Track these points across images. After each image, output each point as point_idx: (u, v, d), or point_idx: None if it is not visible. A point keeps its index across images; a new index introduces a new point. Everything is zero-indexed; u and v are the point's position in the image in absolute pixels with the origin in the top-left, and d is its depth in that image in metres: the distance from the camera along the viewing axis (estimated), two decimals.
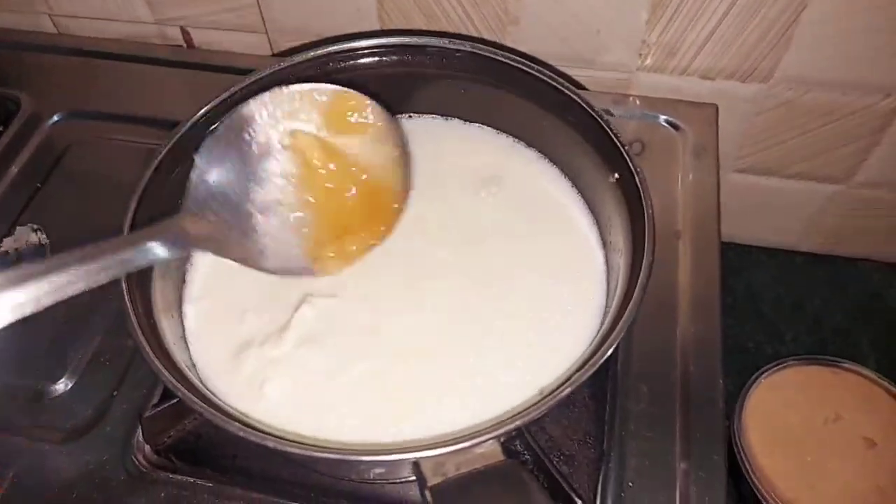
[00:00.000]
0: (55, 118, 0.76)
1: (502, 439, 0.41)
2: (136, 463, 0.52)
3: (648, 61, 0.71)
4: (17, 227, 0.66)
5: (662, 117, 0.69)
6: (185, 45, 0.83)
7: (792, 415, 0.71)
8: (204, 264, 0.54)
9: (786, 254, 0.89)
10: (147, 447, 0.53)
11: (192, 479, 0.52)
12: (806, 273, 0.88)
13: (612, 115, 0.66)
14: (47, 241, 0.65)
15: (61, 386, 0.57)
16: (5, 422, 0.56)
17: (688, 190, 0.65)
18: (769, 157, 0.78)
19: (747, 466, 0.67)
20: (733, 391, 0.68)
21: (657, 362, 0.55)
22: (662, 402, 0.53)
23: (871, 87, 0.68)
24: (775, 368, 0.72)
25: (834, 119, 0.73)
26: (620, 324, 0.42)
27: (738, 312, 0.84)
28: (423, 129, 0.61)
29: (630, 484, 0.50)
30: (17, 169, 0.72)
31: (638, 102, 0.72)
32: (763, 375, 0.71)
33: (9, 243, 0.65)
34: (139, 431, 0.53)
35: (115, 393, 0.56)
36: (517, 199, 0.58)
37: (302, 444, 0.38)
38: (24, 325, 0.59)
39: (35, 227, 0.65)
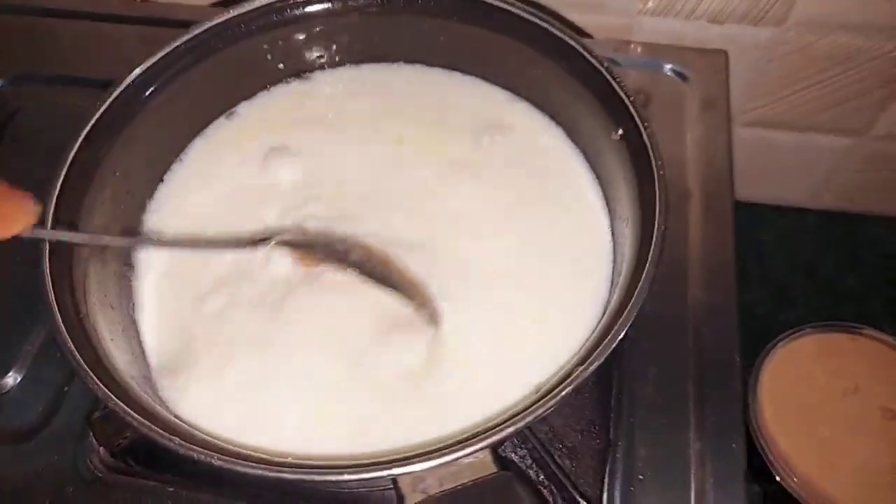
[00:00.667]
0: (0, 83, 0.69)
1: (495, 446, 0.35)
2: (91, 466, 0.47)
3: (651, 3, 0.64)
4: None
5: (668, 66, 0.62)
6: None
7: (809, 387, 0.66)
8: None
9: (796, 212, 0.83)
10: (102, 450, 0.48)
11: (151, 483, 0.47)
12: (818, 233, 0.83)
13: (617, 63, 0.60)
14: None
15: (9, 380, 0.52)
16: None
17: (697, 145, 0.59)
18: (781, 109, 0.72)
19: (762, 443, 0.62)
20: (744, 361, 0.63)
21: (667, 338, 0.50)
22: (673, 385, 0.48)
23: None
24: (791, 337, 0.67)
25: (854, 66, 0.66)
26: (629, 308, 0.36)
27: (746, 276, 0.78)
28: (420, 79, 0.55)
29: (640, 477, 0.45)
30: None
31: (640, 50, 0.65)
32: (779, 344, 0.66)
33: None
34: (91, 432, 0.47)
35: (66, 388, 0.51)
36: (514, 157, 0.52)
37: (255, 461, 0.32)
38: None
39: None
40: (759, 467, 0.63)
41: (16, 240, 0.40)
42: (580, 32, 0.67)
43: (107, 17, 0.73)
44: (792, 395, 0.66)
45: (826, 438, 0.63)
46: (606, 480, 0.45)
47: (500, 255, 0.47)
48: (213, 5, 0.74)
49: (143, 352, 0.44)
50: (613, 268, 0.46)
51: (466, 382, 0.41)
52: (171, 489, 0.46)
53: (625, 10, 0.65)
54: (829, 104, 0.71)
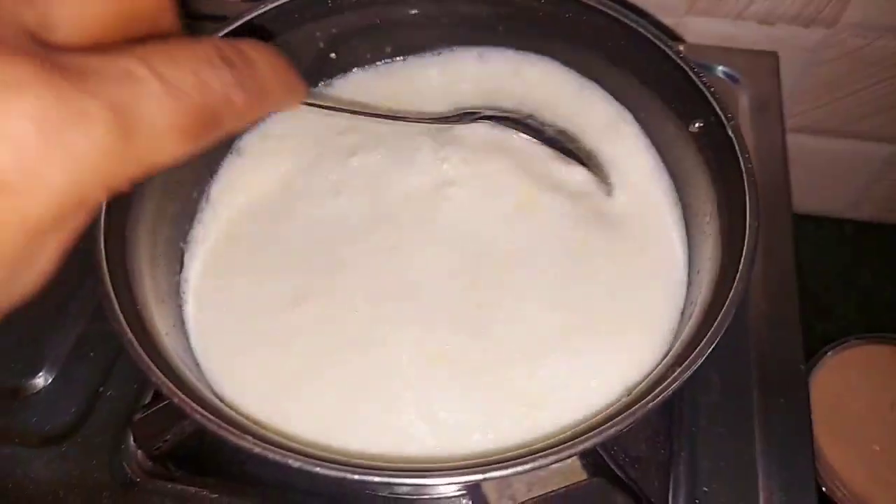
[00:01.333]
0: None
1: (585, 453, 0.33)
2: (128, 470, 0.45)
3: (700, 3, 0.63)
4: None
5: (719, 68, 0.61)
6: None
7: (855, 399, 0.65)
8: (206, 241, 0.47)
9: (834, 223, 0.82)
10: (140, 453, 0.45)
11: (193, 489, 0.44)
12: (855, 244, 0.81)
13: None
14: None
15: (39, 381, 0.50)
16: None
17: (750, 150, 0.57)
18: (826, 115, 0.71)
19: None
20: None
21: (728, 347, 0.48)
22: (737, 393, 0.46)
23: None
24: (837, 349, 0.65)
25: None
26: (728, 302, 0.34)
27: None
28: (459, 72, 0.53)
29: (705, 489, 0.43)
30: None
31: (682, 49, 0.63)
32: (825, 356, 0.65)
33: None
34: (130, 436, 0.45)
35: (100, 389, 0.49)
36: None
37: (334, 463, 0.30)
38: None
39: None
40: None
41: None
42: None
43: None
44: (838, 408, 0.64)
45: (877, 452, 0.62)
46: (671, 491, 0.43)
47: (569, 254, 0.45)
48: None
49: (191, 349, 0.42)
50: (690, 268, 0.44)
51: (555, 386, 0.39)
52: (215, 495, 0.44)
53: (672, 9, 0.64)
54: (871, 111, 0.70)
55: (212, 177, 0.49)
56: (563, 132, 0.50)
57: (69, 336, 0.51)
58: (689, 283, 0.42)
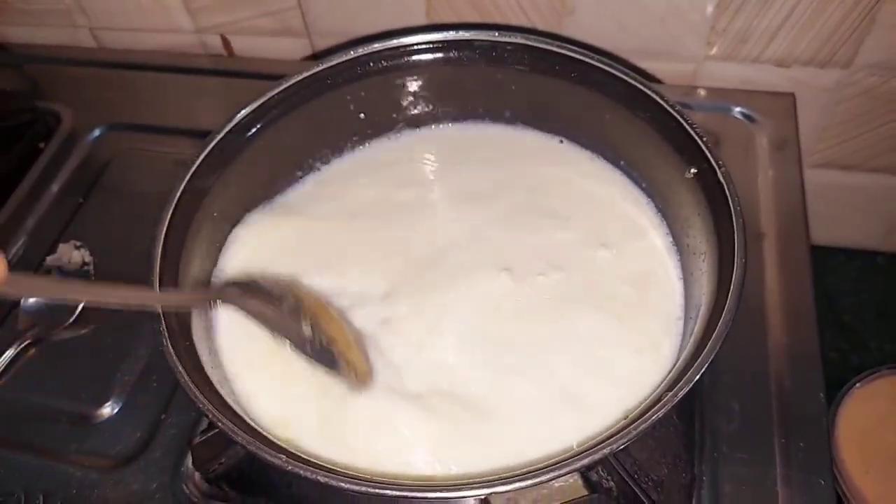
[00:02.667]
0: (96, 132, 0.74)
1: (582, 471, 0.36)
2: (186, 491, 0.49)
3: (717, 49, 0.66)
4: (60, 245, 0.63)
5: (737, 109, 0.64)
6: (225, 53, 0.80)
7: (888, 429, 0.65)
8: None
9: (866, 255, 0.82)
10: (197, 475, 0.50)
11: None
12: (888, 275, 0.82)
13: (688, 107, 0.61)
14: (90, 258, 0.62)
15: (107, 410, 0.54)
16: (50, 448, 0.53)
17: (769, 187, 0.59)
18: (849, 150, 0.72)
19: (843, 488, 0.61)
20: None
21: (748, 377, 0.50)
22: (757, 421, 0.48)
23: None
24: (867, 379, 0.66)
25: None
26: (717, 332, 0.37)
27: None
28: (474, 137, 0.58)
29: None
30: (59, 185, 0.70)
31: (704, 94, 0.67)
32: (855, 387, 0.65)
33: (52, 261, 0.62)
34: (189, 458, 0.50)
35: (162, 416, 0.53)
36: (580, 209, 0.54)
37: (355, 478, 0.34)
38: (69, 346, 0.58)
39: (77, 244, 0.63)
40: None
41: None
42: (649, 78, 0.69)
43: (194, 70, 0.78)
44: (870, 437, 0.64)
45: None
46: None
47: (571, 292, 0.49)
48: (305, 59, 0.78)
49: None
50: (687, 301, 0.47)
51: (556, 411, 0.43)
52: None
53: (691, 56, 0.67)
54: (894, 146, 0.71)
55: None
56: None
57: (134, 369, 0.56)
58: (687, 318, 0.45)
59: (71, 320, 0.59)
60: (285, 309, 0.43)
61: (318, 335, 0.43)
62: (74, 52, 0.83)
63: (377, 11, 0.71)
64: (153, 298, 0.42)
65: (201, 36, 0.79)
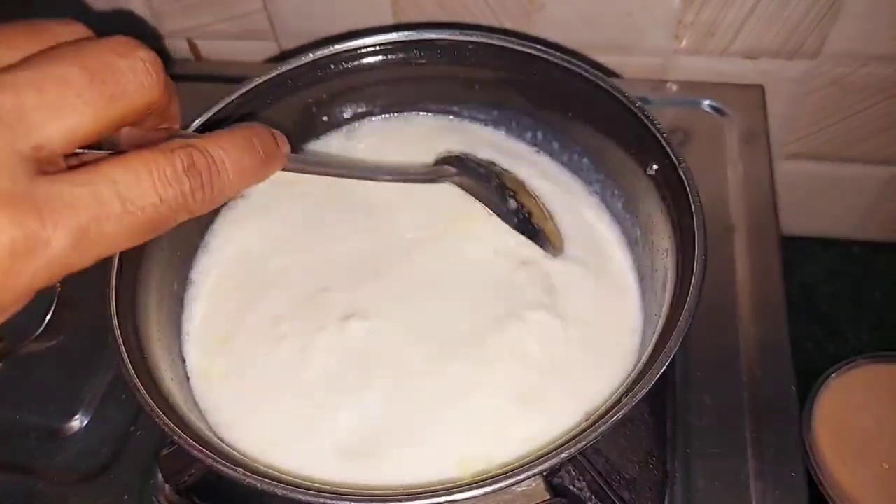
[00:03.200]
0: None
1: (546, 474, 0.36)
2: None
3: (685, 43, 0.66)
4: None
5: (705, 102, 0.64)
6: (192, 57, 0.80)
7: (865, 418, 0.65)
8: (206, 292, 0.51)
9: (841, 244, 0.83)
10: (167, 487, 0.49)
11: None
12: (864, 264, 0.82)
13: (648, 101, 0.61)
14: (58, 287, 0.61)
15: (76, 423, 0.54)
16: (19, 462, 0.52)
17: (739, 180, 0.59)
18: (821, 141, 0.73)
19: (820, 477, 0.61)
20: (797, 396, 0.62)
21: (719, 371, 0.50)
22: (729, 415, 0.48)
23: None
24: (844, 369, 0.66)
25: (890, 95, 0.67)
26: (675, 332, 0.36)
27: (792, 310, 0.77)
28: (431, 129, 0.57)
29: None
30: None
31: (675, 88, 0.66)
32: (832, 377, 0.65)
33: None
34: (158, 470, 0.49)
35: (131, 428, 0.53)
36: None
37: (308, 488, 0.33)
38: (36, 359, 0.57)
39: None
40: (816, 500, 0.62)
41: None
42: (612, 74, 0.69)
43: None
44: (847, 427, 0.65)
45: (888, 471, 0.62)
46: None
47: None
48: (266, 61, 0.78)
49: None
50: (651, 299, 0.46)
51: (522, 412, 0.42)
52: None
53: (660, 50, 0.67)
54: (867, 134, 0.71)
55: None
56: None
57: (103, 381, 0.55)
58: (647, 315, 0.45)
59: (38, 332, 0.58)
60: (493, 185, 0.51)
61: (520, 208, 0.50)
62: None
63: (344, 11, 0.70)
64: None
65: (167, 41, 0.78)
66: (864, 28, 0.62)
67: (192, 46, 0.78)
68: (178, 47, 0.79)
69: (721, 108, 0.64)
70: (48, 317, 0.58)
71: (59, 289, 0.60)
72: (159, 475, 0.49)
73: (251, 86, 0.50)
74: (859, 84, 0.66)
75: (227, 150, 0.30)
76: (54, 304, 0.59)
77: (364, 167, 0.53)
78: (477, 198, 0.51)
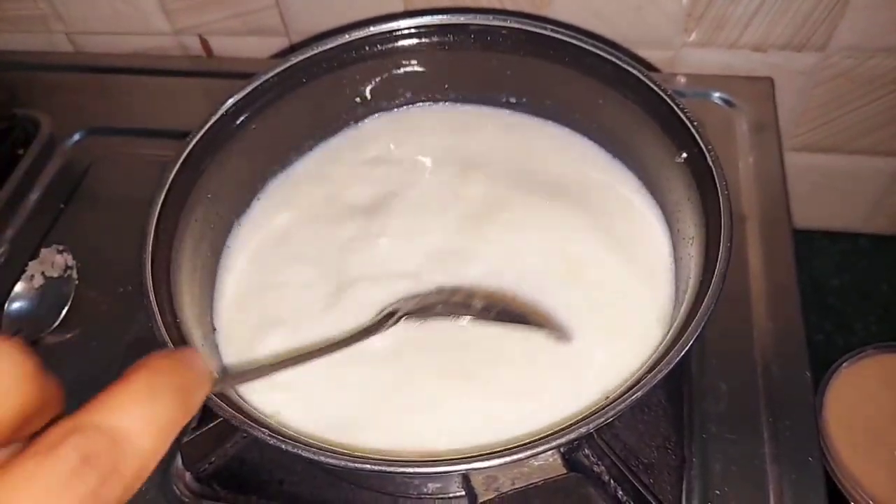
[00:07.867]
0: (75, 137, 0.73)
1: (563, 450, 0.37)
2: (177, 492, 0.49)
3: (694, 36, 0.66)
4: (42, 250, 0.63)
5: (715, 94, 0.64)
6: (204, 54, 0.80)
7: (874, 407, 0.65)
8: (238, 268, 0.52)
9: (849, 237, 0.83)
10: (188, 475, 0.49)
11: None
12: (872, 257, 0.83)
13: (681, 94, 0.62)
14: (73, 261, 0.62)
15: None
16: None
17: (749, 171, 0.60)
18: (829, 133, 0.73)
19: (832, 465, 0.61)
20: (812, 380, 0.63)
21: (735, 357, 0.50)
22: (745, 401, 0.48)
23: None
24: (853, 359, 0.67)
25: None
26: (697, 318, 0.37)
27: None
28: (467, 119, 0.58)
29: (717, 492, 0.45)
30: (40, 190, 0.69)
31: (684, 81, 0.67)
32: (842, 366, 0.66)
33: (34, 267, 0.62)
34: (178, 458, 0.49)
35: None
36: (576, 192, 0.54)
37: (339, 453, 0.34)
38: (54, 351, 0.57)
39: (60, 248, 0.62)
40: (828, 490, 0.62)
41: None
42: (641, 63, 0.69)
43: (172, 72, 0.78)
44: (857, 417, 0.65)
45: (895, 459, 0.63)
46: (684, 495, 0.45)
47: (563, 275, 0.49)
48: (273, 57, 0.78)
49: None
50: (677, 287, 0.47)
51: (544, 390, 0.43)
52: None
53: (669, 43, 0.68)
54: (875, 126, 0.72)
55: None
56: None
57: (121, 371, 0.55)
58: (676, 304, 0.46)
59: (56, 324, 0.58)
60: (448, 301, 0.47)
61: (490, 305, 0.46)
62: (52, 58, 0.82)
63: (355, 4, 0.71)
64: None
65: (179, 37, 0.79)
66: (872, 21, 0.62)
67: (204, 43, 0.79)
68: (189, 44, 0.79)
69: (731, 100, 0.64)
70: (64, 311, 0.59)
71: (77, 281, 0.61)
72: (180, 462, 0.49)
73: (287, 65, 0.51)
74: (867, 76, 0.67)
75: (128, 411, 0.23)
76: (70, 299, 0.59)
77: (300, 354, 0.41)
78: (437, 315, 0.45)
